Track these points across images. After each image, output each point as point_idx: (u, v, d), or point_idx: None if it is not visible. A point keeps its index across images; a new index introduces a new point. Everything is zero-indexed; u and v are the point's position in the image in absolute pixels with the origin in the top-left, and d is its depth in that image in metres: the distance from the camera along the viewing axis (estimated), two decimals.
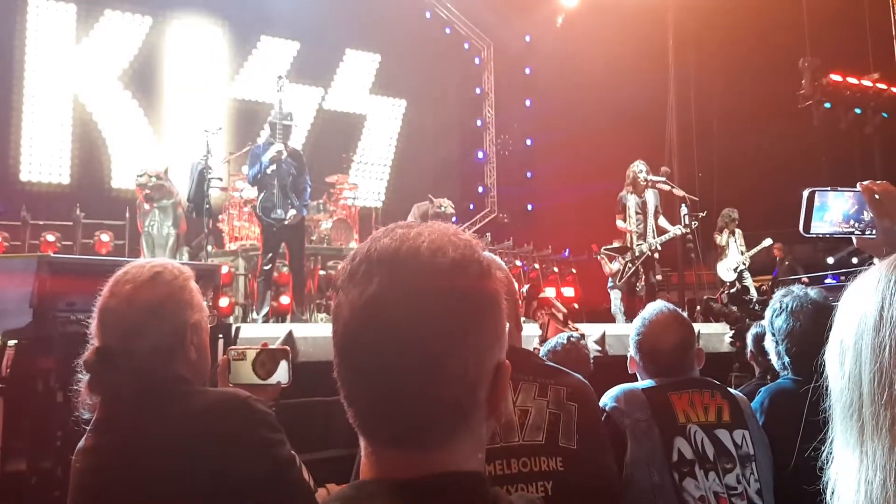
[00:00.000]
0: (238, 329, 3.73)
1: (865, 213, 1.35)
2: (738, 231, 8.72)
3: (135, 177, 7.27)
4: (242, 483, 1.27)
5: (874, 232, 1.35)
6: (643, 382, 1.94)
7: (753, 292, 8.08)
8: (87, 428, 1.38)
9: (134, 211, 7.76)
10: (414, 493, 0.70)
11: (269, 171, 6.08)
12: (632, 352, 2.00)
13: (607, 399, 1.86)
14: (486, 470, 1.39)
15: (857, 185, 1.38)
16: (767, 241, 8.58)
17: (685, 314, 2.07)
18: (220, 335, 3.24)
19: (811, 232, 1.38)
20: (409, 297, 0.70)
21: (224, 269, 6.79)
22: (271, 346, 1.58)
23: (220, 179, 7.63)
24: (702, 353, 2.00)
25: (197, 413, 1.32)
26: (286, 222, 6.10)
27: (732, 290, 7.24)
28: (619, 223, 7.30)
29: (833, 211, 1.37)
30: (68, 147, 10.38)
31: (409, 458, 0.72)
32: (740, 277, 8.48)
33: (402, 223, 0.78)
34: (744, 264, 8.51)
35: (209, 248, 7.25)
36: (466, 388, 0.72)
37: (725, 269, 8.62)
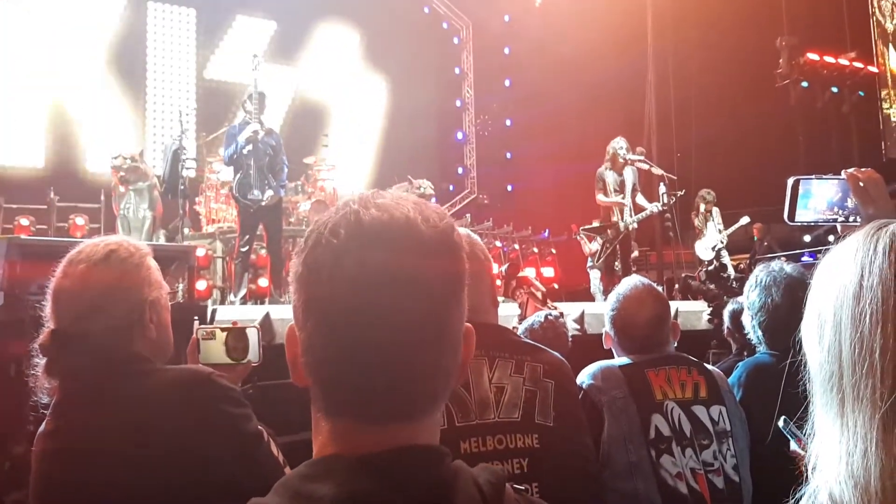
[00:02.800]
0: (214, 311, 3.69)
1: (849, 200, 1.36)
2: (715, 210, 8.78)
3: (109, 159, 7.14)
4: (208, 460, 1.25)
5: (858, 219, 1.36)
6: (620, 359, 1.93)
7: (731, 270, 8.15)
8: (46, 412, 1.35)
9: (109, 194, 7.62)
10: (375, 468, 0.68)
11: (245, 151, 5.99)
12: (606, 327, 1.99)
13: (584, 377, 1.85)
14: (462, 447, 1.39)
15: (842, 172, 1.38)
16: (745, 220, 8.64)
17: (660, 289, 2.08)
18: (196, 317, 3.19)
19: (796, 220, 1.38)
20: (405, 268, 0.69)
21: (201, 252, 6.71)
22: (241, 325, 1.56)
23: (195, 160, 7.52)
24: (677, 327, 2.00)
25: (157, 391, 1.29)
26: (263, 203, 6.02)
27: (710, 268, 7.31)
28: (600, 198, 7.26)
29: (817, 198, 1.37)
30: (42, 130, 10.17)
31: (379, 434, 0.70)
32: (718, 256, 8.54)
33: (371, 192, 0.75)
34: (721, 243, 8.58)
35: (186, 230, 7.16)
36: (455, 354, 0.73)
37: (703, 249, 8.68)
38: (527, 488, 1.37)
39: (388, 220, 0.70)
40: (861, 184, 1.34)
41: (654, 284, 2.05)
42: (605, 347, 2.03)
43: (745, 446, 1.83)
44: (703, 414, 1.81)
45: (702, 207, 8.70)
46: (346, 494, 0.66)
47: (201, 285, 6.21)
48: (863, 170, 1.36)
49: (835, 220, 1.37)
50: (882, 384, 0.72)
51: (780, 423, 1.17)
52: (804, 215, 1.37)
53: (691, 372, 1.87)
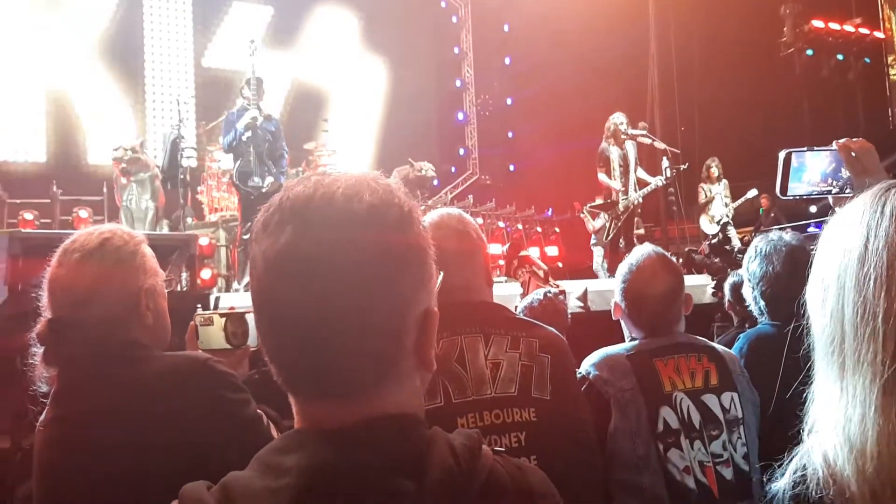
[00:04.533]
0: (218, 299, 3.70)
1: (843, 171, 1.34)
2: (723, 182, 8.69)
3: (111, 151, 7.14)
4: (207, 446, 1.25)
5: (851, 190, 1.34)
6: (625, 345, 1.87)
7: (737, 243, 8.09)
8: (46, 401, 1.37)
9: (111, 186, 7.64)
10: (343, 438, 0.68)
11: (244, 138, 5.98)
12: (617, 298, 1.90)
13: (588, 366, 1.79)
14: (459, 423, 1.39)
15: (833, 143, 1.36)
16: (753, 192, 8.54)
17: (672, 258, 1.99)
18: (199, 305, 3.21)
19: (788, 194, 1.36)
20: (323, 245, 0.67)
21: (204, 241, 6.72)
22: (239, 310, 1.56)
23: (194, 149, 7.51)
24: (690, 299, 1.92)
25: (154, 377, 1.30)
26: (264, 190, 6.02)
27: (714, 242, 7.27)
28: (601, 177, 7.20)
29: (811, 171, 1.35)
30: (42, 124, 10.18)
31: (336, 408, 0.70)
32: (724, 229, 8.47)
33: (319, 171, 0.75)
34: (727, 216, 8.51)
35: (189, 219, 7.18)
36: (390, 337, 0.70)
37: (708, 222, 8.63)
38: (524, 460, 1.38)
39: (308, 196, 0.69)
40: (853, 153, 1.32)
41: (667, 254, 1.96)
42: (613, 318, 1.96)
43: (755, 431, 1.78)
44: (713, 403, 1.75)
45: (714, 173, 8.61)
46: (313, 464, 0.67)
47: (206, 274, 6.22)
48: (854, 139, 1.34)
49: (829, 192, 1.35)
50: (884, 350, 0.71)
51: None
52: (797, 188, 1.35)
53: (701, 359, 1.80)
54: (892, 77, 12.11)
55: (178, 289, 4.06)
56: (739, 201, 8.54)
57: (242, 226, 6.19)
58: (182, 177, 6.42)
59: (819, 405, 0.80)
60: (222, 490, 0.68)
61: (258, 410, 1.37)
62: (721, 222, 8.47)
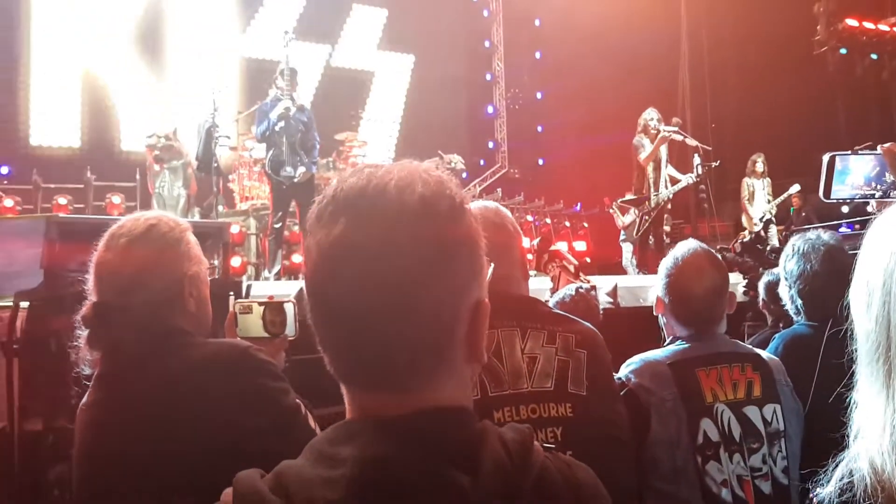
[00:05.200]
0: (249, 287, 3.75)
1: (887, 175, 1.33)
2: (767, 178, 8.46)
3: (144, 138, 7.25)
4: (247, 433, 1.27)
5: (895, 194, 1.33)
6: (665, 351, 1.82)
7: (775, 242, 7.89)
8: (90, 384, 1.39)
9: (144, 172, 7.76)
10: (397, 429, 0.69)
11: (277, 128, 6.04)
12: (660, 293, 1.85)
13: (628, 372, 1.76)
14: (496, 417, 1.41)
15: (878, 147, 1.35)
16: (795, 188, 8.20)
17: (718, 255, 1.94)
18: (231, 293, 3.25)
19: (832, 197, 1.35)
20: (377, 236, 0.68)
21: (235, 229, 6.81)
22: (278, 299, 1.58)
23: (228, 137, 7.60)
24: (734, 297, 1.88)
25: (197, 364, 1.32)
26: (296, 180, 6.07)
27: (746, 240, 7.15)
28: (643, 156, 7.05)
29: (854, 174, 1.35)
30: (77, 110, 10.33)
31: (390, 399, 0.71)
32: (766, 227, 8.26)
33: (372, 163, 0.76)
34: (770, 213, 8.31)
35: (220, 207, 7.27)
36: (442, 328, 0.70)
37: (750, 218, 8.44)
38: (556, 447, 1.38)
39: (361, 188, 0.71)
40: None
41: (713, 251, 1.91)
42: (655, 314, 1.93)
43: (797, 443, 1.75)
44: (755, 415, 1.72)
45: (759, 168, 8.42)
46: (369, 455, 0.68)
47: (236, 262, 6.31)
48: None
49: (872, 196, 1.34)
50: None
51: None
52: (841, 191, 1.34)
53: (745, 369, 1.76)
54: None
55: (213, 276, 4.13)
56: (782, 197, 8.30)
57: (273, 215, 6.26)
58: (216, 165, 6.50)
59: (863, 410, 0.79)
60: (276, 478, 0.69)
61: (297, 400, 1.39)
62: (764, 219, 8.29)
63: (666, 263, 1.87)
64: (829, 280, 1.92)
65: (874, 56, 11.83)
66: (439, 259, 0.70)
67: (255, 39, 11.46)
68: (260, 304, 1.56)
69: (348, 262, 0.68)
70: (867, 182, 1.35)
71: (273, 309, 1.55)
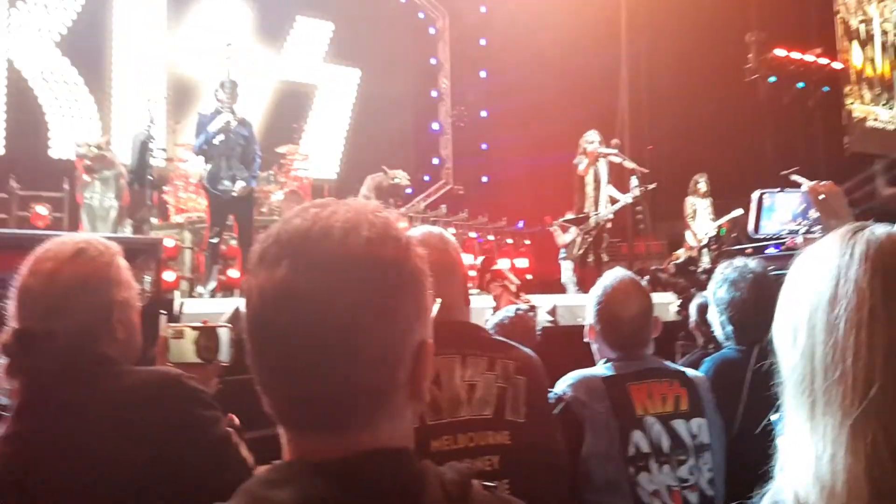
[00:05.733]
0: (182, 304, 3.64)
1: (812, 211, 1.40)
2: (710, 199, 8.64)
3: (74, 146, 6.96)
4: (176, 463, 1.23)
5: (819, 230, 1.40)
6: (601, 369, 1.91)
7: (707, 263, 8.11)
8: (6, 415, 1.32)
9: (73, 182, 7.44)
10: (337, 472, 0.68)
11: (216, 141, 5.90)
12: (591, 320, 1.96)
13: (565, 387, 1.83)
14: (433, 446, 1.40)
15: (804, 185, 1.42)
16: (738, 212, 8.21)
17: (642, 282, 2.06)
18: (163, 311, 3.14)
19: (760, 232, 1.42)
20: (321, 281, 0.67)
21: (169, 243, 6.60)
22: (212, 324, 1.54)
23: (164, 150, 7.38)
24: (659, 321, 2.00)
25: (124, 393, 1.28)
26: (234, 194, 5.94)
27: (679, 261, 7.40)
28: (580, 170, 7.23)
29: (781, 211, 1.42)
30: (2, 115, 9.86)
31: (329, 441, 0.70)
32: (700, 248, 8.44)
33: (318, 202, 0.74)
34: (712, 232, 8.51)
35: (154, 220, 7.04)
36: (384, 370, 0.70)
37: (692, 237, 8.61)
38: (497, 485, 1.39)
39: (306, 230, 0.70)
40: (822, 196, 1.38)
41: (638, 278, 2.03)
42: (585, 340, 2.01)
43: (721, 457, 1.83)
44: (682, 428, 1.80)
45: (702, 188, 8.59)
46: (306, 499, 0.66)
47: (169, 276, 6.10)
48: (823, 183, 1.41)
49: (797, 232, 1.41)
50: (853, 391, 0.73)
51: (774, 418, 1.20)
52: (769, 227, 1.41)
53: (673, 384, 1.85)
54: (848, 106, 12.54)
55: (143, 293, 3.99)
56: (724, 219, 8.51)
57: (210, 229, 6.10)
58: (150, 178, 6.30)
59: (789, 442, 0.81)
60: None
61: (228, 429, 1.36)
62: (708, 237, 8.48)
63: (595, 292, 1.96)
64: (756, 307, 2.00)
65: (801, 85, 12.51)
66: (384, 303, 0.69)
67: (193, 49, 11.20)
68: (193, 328, 1.52)
69: (290, 307, 0.67)
70: (794, 218, 1.42)
71: (206, 334, 1.51)
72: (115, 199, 6.70)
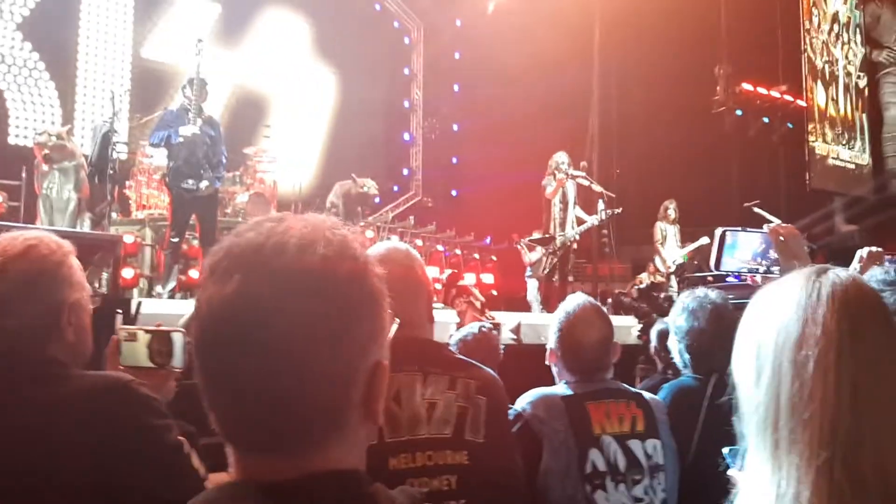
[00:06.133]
0: (140, 304, 3.54)
1: (771, 252, 1.44)
2: (677, 226, 8.78)
3: (34, 135, 6.76)
4: (125, 473, 1.19)
5: (777, 271, 1.44)
6: (561, 388, 1.93)
7: (675, 288, 8.19)
8: None
9: (31, 171, 7.21)
10: (285, 494, 0.65)
11: (181, 139, 5.79)
12: (552, 345, 1.98)
13: (525, 404, 1.85)
14: (391, 463, 1.38)
15: (764, 226, 1.47)
16: (704, 240, 8.36)
17: (603, 308, 2.10)
18: (119, 310, 3.04)
19: (721, 268, 1.46)
20: (271, 298, 0.65)
21: (129, 239, 6.44)
22: (166, 328, 1.49)
23: (127, 144, 7.22)
24: (618, 346, 2.03)
25: (70, 397, 1.23)
26: (199, 193, 5.83)
27: (642, 286, 7.50)
28: (549, 191, 7.29)
29: (742, 249, 1.46)
30: None
31: (279, 462, 0.67)
32: (677, 272, 8.52)
33: (275, 216, 0.71)
34: (680, 259, 8.62)
35: (114, 215, 6.87)
36: (337, 392, 0.68)
37: (661, 262, 8.73)
38: None
39: (259, 244, 0.67)
40: (782, 238, 1.42)
41: (599, 304, 2.07)
42: (547, 363, 2.03)
43: (674, 478, 1.87)
44: (638, 448, 1.84)
45: (671, 215, 8.70)
46: None
47: (128, 273, 5.95)
48: (784, 225, 1.45)
49: (756, 271, 1.45)
50: (820, 433, 0.74)
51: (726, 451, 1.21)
52: (730, 264, 1.45)
53: (630, 405, 1.89)
54: (810, 143, 12.92)
55: (97, 291, 3.87)
56: (690, 247, 8.63)
57: (172, 228, 5.97)
58: (112, 172, 6.14)
59: (749, 477, 0.82)
60: None
61: (179, 438, 1.32)
62: (676, 263, 8.60)
63: (557, 317, 1.98)
64: (714, 338, 2.04)
65: (766, 119, 12.86)
66: (338, 323, 0.67)
67: (160, 42, 11.01)
68: (146, 331, 1.47)
69: (239, 323, 0.65)
70: (754, 257, 1.46)
71: (160, 338, 1.46)
72: (74, 191, 6.52)
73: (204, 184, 5.83)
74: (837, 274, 0.84)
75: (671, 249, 8.73)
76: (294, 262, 0.66)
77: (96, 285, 4.31)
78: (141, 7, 10.82)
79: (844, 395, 0.75)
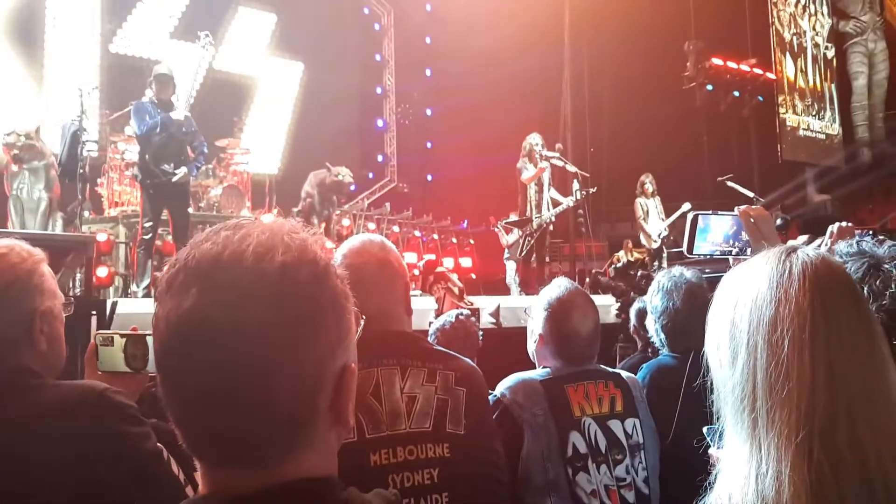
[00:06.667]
0: (115, 304, 3.49)
1: (743, 234, 1.46)
2: (657, 198, 8.72)
3: (2, 135, 6.60)
4: (104, 482, 1.18)
5: (749, 252, 1.46)
6: (539, 371, 1.92)
7: (665, 263, 8.17)
8: None
9: (0, 172, 7.06)
10: None
11: (158, 130, 5.70)
12: (540, 330, 1.94)
13: (504, 389, 1.84)
14: (372, 459, 1.38)
15: (735, 209, 1.49)
16: (686, 206, 8.34)
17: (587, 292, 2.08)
18: (94, 312, 2.99)
19: (694, 252, 1.48)
20: (230, 310, 0.64)
21: (102, 237, 6.34)
22: (141, 331, 1.47)
23: (96, 143, 7.08)
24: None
25: (45, 408, 1.21)
26: (174, 179, 5.73)
27: (619, 265, 7.58)
28: (525, 176, 7.29)
29: (714, 232, 1.48)
30: None
31: (247, 473, 0.67)
32: (662, 245, 8.52)
33: (231, 223, 0.70)
34: (664, 231, 8.61)
35: (86, 213, 6.76)
36: (303, 399, 0.67)
37: (647, 237, 8.65)
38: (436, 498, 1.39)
39: (215, 255, 0.66)
40: (752, 220, 1.45)
41: (585, 290, 2.05)
42: (532, 349, 2.00)
43: (655, 456, 1.89)
44: (618, 428, 1.85)
45: (648, 188, 8.65)
46: None
47: (102, 272, 5.87)
48: (754, 207, 1.48)
49: (730, 253, 1.48)
50: (798, 411, 0.75)
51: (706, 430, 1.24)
52: (702, 247, 1.47)
53: (608, 385, 1.89)
54: (781, 115, 13.07)
55: (71, 293, 3.81)
56: (674, 216, 8.58)
57: (143, 224, 5.88)
58: (81, 171, 6.03)
59: (729, 456, 0.83)
60: None
61: (158, 444, 1.31)
62: (661, 236, 8.51)
63: (545, 303, 1.95)
64: (689, 316, 2.06)
65: (736, 93, 12.97)
66: (300, 330, 0.66)
67: (130, 36, 10.78)
68: (122, 335, 1.45)
69: (199, 338, 0.64)
70: (725, 240, 1.49)
71: (135, 342, 1.44)
72: (45, 191, 6.40)
73: (182, 170, 5.76)
74: (807, 253, 0.85)
75: (654, 223, 8.67)
76: (252, 272, 0.65)
77: (71, 286, 4.25)
78: (108, 1, 10.57)
79: (820, 373, 0.76)
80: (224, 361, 0.64)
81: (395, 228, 10.23)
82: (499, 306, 4.91)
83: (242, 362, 0.64)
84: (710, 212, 1.50)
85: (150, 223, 5.84)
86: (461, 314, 2.77)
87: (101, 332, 1.47)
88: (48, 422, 1.20)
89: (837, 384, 0.76)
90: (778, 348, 0.78)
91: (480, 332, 2.90)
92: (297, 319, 0.66)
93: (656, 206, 8.76)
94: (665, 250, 8.39)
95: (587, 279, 7.22)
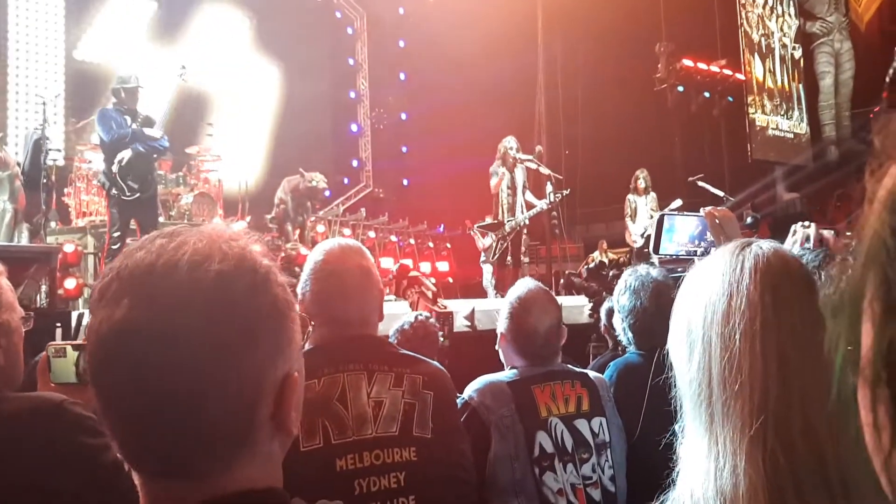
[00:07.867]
0: (81, 316, 3.42)
1: (708, 234, 1.48)
2: (652, 194, 8.62)
3: None
4: (63, 496, 1.16)
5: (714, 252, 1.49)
6: (507, 373, 1.95)
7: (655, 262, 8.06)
8: None
9: None
10: None
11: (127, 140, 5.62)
12: (502, 329, 1.98)
13: (471, 391, 1.86)
14: (338, 465, 1.36)
15: (700, 210, 1.52)
16: (677, 202, 8.19)
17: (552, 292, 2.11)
18: (58, 324, 2.93)
19: (660, 252, 1.50)
20: (164, 320, 0.62)
21: (70, 248, 6.23)
22: None
23: (60, 151, 6.96)
24: (564, 330, 2.04)
25: (4, 420, 1.19)
26: (142, 196, 5.66)
27: (591, 265, 7.63)
28: (493, 182, 7.30)
29: (680, 233, 1.50)
30: None
31: (185, 487, 0.65)
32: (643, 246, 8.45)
33: (168, 230, 0.68)
34: (646, 230, 8.56)
35: (53, 224, 6.64)
36: (241, 409, 0.65)
37: (631, 234, 8.58)
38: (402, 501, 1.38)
39: (149, 264, 0.64)
40: (717, 220, 1.47)
41: (547, 288, 2.08)
42: (497, 347, 2.03)
43: (621, 454, 1.91)
44: (584, 427, 1.87)
45: (641, 185, 8.54)
46: None
47: (70, 284, 5.76)
48: (719, 208, 1.51)
49: (695, 253, 1.49)
50: (751, 403, 0.75)
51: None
52: (669, 248, 1.49)
53: (574, 385, 1.92)
54: (750, 115, 13.27)
55: (36, 305, 3.73)
56: (665, 211, 8.46)
57: (111, 234, 5.79)
58: (45, 181, 5.91)
59: (689, 452, 0.83)
60: None
61: (118, 455, 1.28)
62: (644, 234, 8.34)
63: (510, 303, 1.98)
64: (656, 315, 2.08)
65: (707, 94, 13.14)
66: (237, 340, 0.64)
67: (95, 42, 10.60)
68: (74, 347, 1.42)
69: (130, 349, 0.62)
70: (691, 240, 1.51)
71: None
72: (9, 202, 6.29)
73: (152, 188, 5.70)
74: (760, 246, 0.85)
75: (642, 222, 8.54)
76: (186, 282, 0.63)
77: (36, 298, 4.16)
78: (73, 7, 10.39)
79: (772, 364, 0.77)
80: (155, 374, 0.62)
81: (371, 234, 10.20)
82: (473, 309, 4.91)
83: (174, 375, 0.62)
84: (675, 213, 1.53)
85: (119, 233, 5.75)
86: (419, 315, 2.78)
87: (53, 343, 1.44)
88: (6, 434, 1.18)
89: (790, 374, 0.76)
90: (730, 341, 0.78)
91: (441, 334, 2.90)
92: (233, 331, 0.64)
93: (647, 203, 8.62)
94: (645, 249, 8.35)
95: (561, 280, 7.26)
